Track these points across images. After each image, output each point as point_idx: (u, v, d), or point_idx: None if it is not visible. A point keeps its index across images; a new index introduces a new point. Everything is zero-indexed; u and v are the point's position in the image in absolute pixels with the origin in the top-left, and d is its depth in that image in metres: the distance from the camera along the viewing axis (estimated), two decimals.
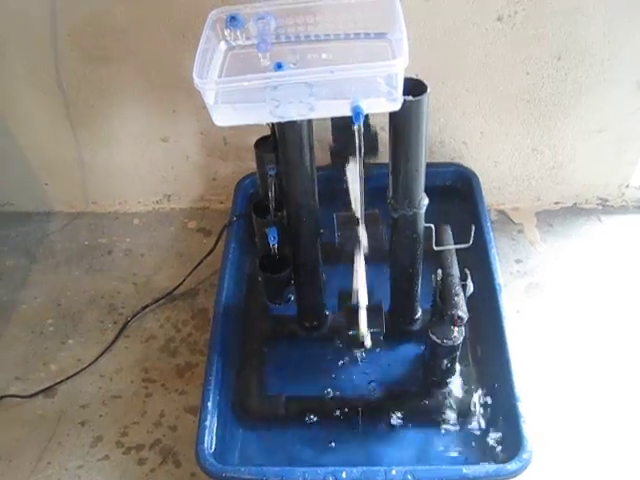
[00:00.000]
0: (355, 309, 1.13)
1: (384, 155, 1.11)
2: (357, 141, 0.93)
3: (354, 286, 1.15)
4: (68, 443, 1.29)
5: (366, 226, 1.10)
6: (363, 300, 1.12)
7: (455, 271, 1.16)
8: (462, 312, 1.10)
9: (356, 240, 1.11)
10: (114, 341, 1.45)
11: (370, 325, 1.14)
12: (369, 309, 1.13)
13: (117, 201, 1.76)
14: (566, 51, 1.37)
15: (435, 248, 1.17)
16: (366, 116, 0.89)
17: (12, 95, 1.52)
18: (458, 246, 1.19)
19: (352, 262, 1.15)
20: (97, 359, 1.42)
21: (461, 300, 1.11)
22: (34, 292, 1.58)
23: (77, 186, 1.72)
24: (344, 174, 1.07)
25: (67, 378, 1.39)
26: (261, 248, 1.20)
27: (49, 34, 1.40)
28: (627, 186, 1.62)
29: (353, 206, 1.09)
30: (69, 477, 1.24)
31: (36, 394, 1.37)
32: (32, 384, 1.39)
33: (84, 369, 1.41)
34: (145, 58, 1.44)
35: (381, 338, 1.17)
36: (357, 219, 1.09)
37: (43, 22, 1.38)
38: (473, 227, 1.16)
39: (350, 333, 1.15)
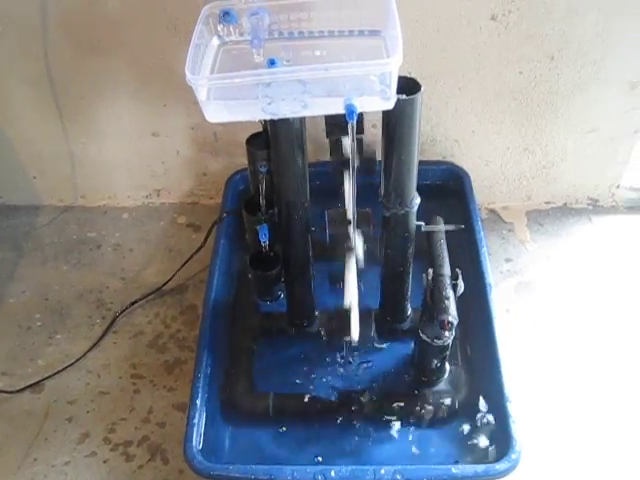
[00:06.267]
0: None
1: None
2: (350, 139, 0.92)
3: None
4: (55, 439, 1.28)
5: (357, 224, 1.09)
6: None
7: (446, 271, 1.16)
8: (452, 317, 1.09)
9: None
10: (102, 337, 1.44)
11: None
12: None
13: (106, 195, 1.74)
14: (559, 51, 1.37)
15: (424, 228, 1.18)
16: None
17: (0, 86, 1.50)
18: (447, 227, 1.21)
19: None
20: (85, 354, 1.41)
21: (451, 304, 1.11)
22: (22, 286, 1.56)
23: (66, 180, 1.70)
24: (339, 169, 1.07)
25: (54, 374, 1.38)
26: (252, 245, 1.20)
27: (39, 24, 1.38)
28: (617, 186, 1.63)
29: (346, 203, 1.08)
30: (56, 474, 1.23)
31: (23, 389, 1.36)
32: (19, 379, 1.38)
33: (72, 365, 1.39)
34: (136, 51, 1.42)
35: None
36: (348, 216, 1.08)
37: (33, 12, 1.36)
38: (462, 226, 1.17)
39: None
